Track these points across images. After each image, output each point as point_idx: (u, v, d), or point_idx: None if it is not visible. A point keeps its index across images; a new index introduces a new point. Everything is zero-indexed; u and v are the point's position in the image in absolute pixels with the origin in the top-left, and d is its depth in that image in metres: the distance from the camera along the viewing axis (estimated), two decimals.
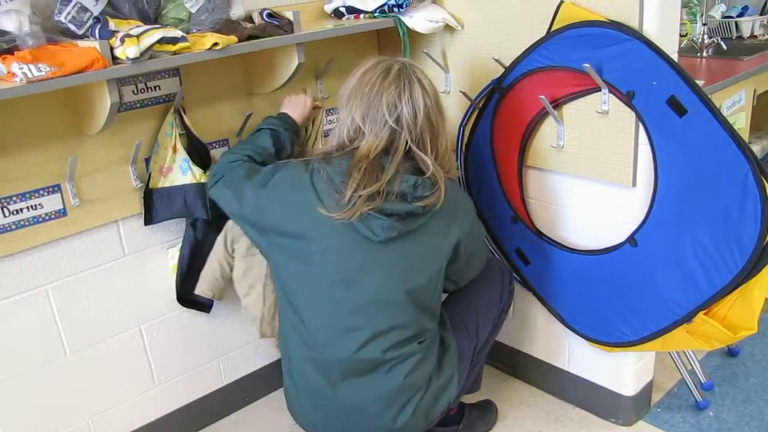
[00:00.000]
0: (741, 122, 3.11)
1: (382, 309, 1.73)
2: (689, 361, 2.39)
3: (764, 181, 1.73)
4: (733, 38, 3.82)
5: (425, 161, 1.72)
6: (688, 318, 1.93)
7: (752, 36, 3.83)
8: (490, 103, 2.19)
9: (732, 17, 3.87)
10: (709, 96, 2.68)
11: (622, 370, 2.21)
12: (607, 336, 2.15)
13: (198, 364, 2.36)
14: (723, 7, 3.92)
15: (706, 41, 3.49)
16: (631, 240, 2.00)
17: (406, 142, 1.71)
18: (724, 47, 3.44)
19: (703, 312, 1.91)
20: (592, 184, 2.05)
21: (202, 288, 2.28)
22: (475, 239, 1.93)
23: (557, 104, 2.03)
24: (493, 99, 2.18)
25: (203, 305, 2.28)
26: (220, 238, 2.20)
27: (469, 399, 2.26)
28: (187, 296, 2.23)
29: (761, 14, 3.92)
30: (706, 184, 1.81)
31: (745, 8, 3.93)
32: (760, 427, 2.23)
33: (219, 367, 2.42)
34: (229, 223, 2.23)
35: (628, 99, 1.85)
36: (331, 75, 2.41)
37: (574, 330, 2.24)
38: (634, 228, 1.99)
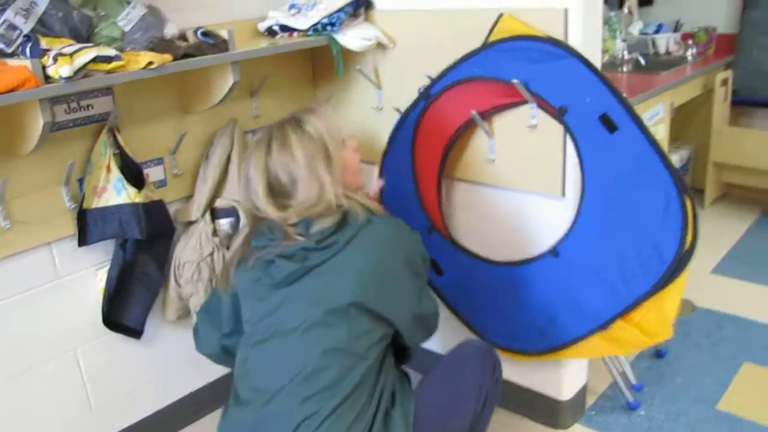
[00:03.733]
0: (661, 133, 3.25)
1: (287, 351, 1.62)
2: (620, 364, 2.48)
3: (686, 199, 1.81)
4: (651, 54, 3.99)
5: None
6: (605, 326, 1.99)
7: (667, 52, 4.01)
8: (415, 110, 2.22)
9: (648, 34, 4.05)
10: None
11: (558, 376, 2.28)
12: (520, 344, 2.19)
13: (135, 386, 2.32)
14: (640, 25, 4.10)
15: (625, 57, 3.64)
16: (553, 251, 2.06)
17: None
18: (643, 62, 3.60)
19: (621, 319, 1.97)
20: (522, 195, 2.12)
21: (168, 314, 2.31)
22: (390, 282, 1.67)
23: (486, 115, 2.09)
24: (419, 106, 2.21)
25: (132, 330, 2.23)
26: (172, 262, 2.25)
27: None
28: (114, 320, 2.20)
29: (674, 32, 4.11)
30: (631, 198, 1.88)
31: (660, 26, 4.12)
32: (688, 423, 2.33)
33: (156, 389, 2.38)
34: (178, 247, 2.23)
35: (560, 114, 1.92)
36: (266, 93, 2.43)
37: (488, 340, 2.25)
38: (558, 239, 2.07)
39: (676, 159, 4.07)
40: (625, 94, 2.84)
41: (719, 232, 3.82)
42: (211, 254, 2.24)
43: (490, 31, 2.01)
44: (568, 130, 1.93)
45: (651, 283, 1.89)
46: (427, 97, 2.19)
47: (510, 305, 2.18)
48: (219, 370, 2.50)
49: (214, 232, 2.24)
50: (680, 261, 1.86)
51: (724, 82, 3.89)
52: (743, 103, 4.07)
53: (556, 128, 1.97)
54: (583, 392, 2.40)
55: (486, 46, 2.02)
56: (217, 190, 2.27)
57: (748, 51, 3.97)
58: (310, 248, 1.61)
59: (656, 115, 3.19)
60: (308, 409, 1.55)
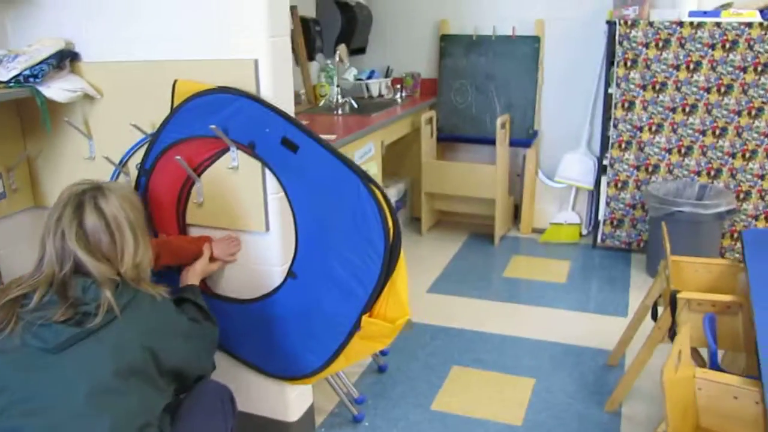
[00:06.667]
0: (373, 169, 3.58)
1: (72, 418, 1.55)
2: (344, 383, 2.70)
3: (372, 187, 2.08)
4: (365, 97, 4.38)
5: (95, 269, 1.66)
6: (357, 325, 2.19)
7: (380, 95, 4.43)
8: (140, 188, 2.31)
9: (363, 80, 4.44)
10: (340, 148, 3.11)
11: (285, 400, 2.42)
12: (300, 370, 2.33)
13: None
14: (355, 71, 4.48)
15: (340, 101, 3.96)
16: (291, 273, 2.24)
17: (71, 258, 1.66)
18: (355, 105, 3.95)
19: (367, 315, 2.18)
20: (234, 234, 2.26)
21: None
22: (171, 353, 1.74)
23: (200, 170, 2.22)
24: (141, 182, 2.31)
25: None
26: None
27: None
28: None
29: (386, 77, 4.55)
30: (332, 204, 2.11)
31: (372, 72, 4.53)
32: (406, 426, 2.59)
33: None
34: None
35: (251, 149, 2.11)
36: None
37: (269, 374, 2.39)
38: (278, 269, 2.24)
39: (393, 192, 4.48)
40: (335, 135, 3.16)
41: (434, 255, 4.25)
42: None
43: (172, 98, 2.17)
44: (263, 162, 2.12)
45: (377, 273, 2.12)
46: (144, 172, 2.29)
47: (274, 336, 2.31)
48: None
49: None
50: (392, 246, 2.11)
51: (429, 121, 4.37)
52: (448, 139, 4.60)
53: (254, 167, 2.14)
54: (311, 412, 2.56)
55: (174, 111, 2.18)
56: None
57: (447, 93, 4.51)
58: (89, 312, 1.60)
59: (367, 153, 3.51)
60: None
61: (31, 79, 2.24)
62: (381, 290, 2.16)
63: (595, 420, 2.60)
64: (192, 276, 2.15)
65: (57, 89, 2.27)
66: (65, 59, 2.33)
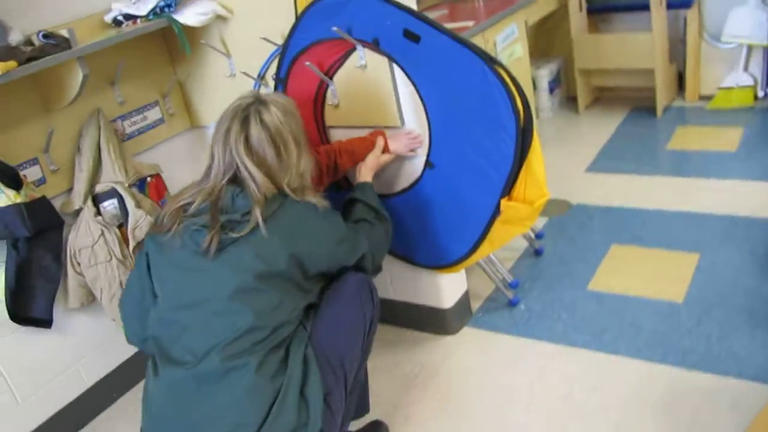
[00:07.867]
0: (519, 52, 3.46)
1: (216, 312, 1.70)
2: (497, 269, 2.74)
3: (498, 69, 2.02)
4: None
5: (250, 179, 1.76)
6: (497, 210, 2.18)
7: None
8: None
9: None
10: (480, 33, 3.03)
11: (437, 288, 2.51)
12: (446, 258, 2.38)
13: (58, 372, 2.47)
14: None
15: None
16: (428, 164, 2.27)
17: (232, 167, 1.78)
18: None
19: (506, 199, 2.16)
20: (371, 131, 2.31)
21: (71, 302, 2.45)
22: (321, 261, 1.83)
23: (332, 72, 2.27)
24: (278, 90, 2.39)
25: (41, 321, 2.37)
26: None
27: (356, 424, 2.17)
28: (21, 314, 2.32)
29: None
30: (459, 90, 2.08)
31: None
32: (562, 307, 2.60)
33: (79, 371, 2.54)
34: (71, 237, 2.38)
35: (375, 45, 2.12)
36: (126, 80, 2.56)
37: (418, 264, 2.47)
38: (417, 160, 2.28)
39: (545, 72, 4.32)
40: (473, 22, 3.07)
41: (593, 133, 4.09)
42: (102, 235, 2.39)
43: (295, 6, 2.21)
44: (389, 57, 2.13)
45: (510, 156, 2.08)
46: (280, 81, 2.38)
47: (419, 227, 2.38)
48: (132, 350, 2.68)
49: (98, 213, 2.39)
50: (524, 128, 2.05)
51: None
52: (598, 10, 4.32)
53: (382, 63, 2.16)
54: (466, 298, 2.63)
55: (299, 19, 2.23)
56: (94, 177, 2.42)
57: None
58: (235, 220, 1.71)
59: (511, 35, 3.39)
60: (238, 362, 1.68)
61: (166, 9, 2.38)
62: (517, 173, 2.12)
63: (767, 296, 2.45)
64: (364, 172, 2.19)
65: (190, 14, 2.40)
66: None
